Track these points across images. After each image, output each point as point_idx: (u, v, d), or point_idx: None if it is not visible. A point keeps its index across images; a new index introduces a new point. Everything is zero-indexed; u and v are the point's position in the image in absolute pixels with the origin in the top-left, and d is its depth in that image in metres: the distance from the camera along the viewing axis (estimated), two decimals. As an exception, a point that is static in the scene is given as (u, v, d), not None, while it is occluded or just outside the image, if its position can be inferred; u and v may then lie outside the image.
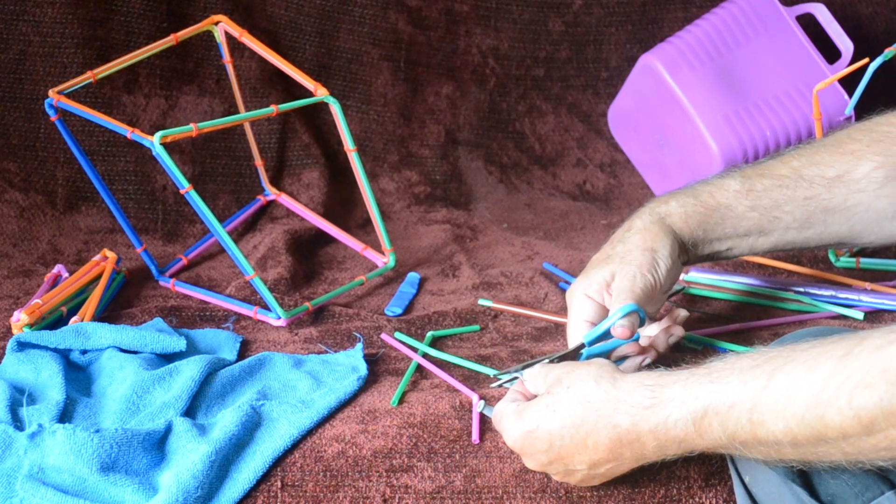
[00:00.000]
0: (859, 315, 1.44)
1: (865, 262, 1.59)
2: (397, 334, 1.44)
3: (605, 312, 1.24)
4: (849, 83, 1.78)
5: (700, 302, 1.52)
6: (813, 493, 1.00)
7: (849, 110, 1.73)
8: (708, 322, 1.45)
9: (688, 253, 1.28)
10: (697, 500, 1.18)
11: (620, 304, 1.20)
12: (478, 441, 1.20)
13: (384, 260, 1.67)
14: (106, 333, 1.36)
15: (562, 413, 1.07)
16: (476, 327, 1.49)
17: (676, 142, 1.87)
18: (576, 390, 1.07)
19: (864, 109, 1.73)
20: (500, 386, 1.22)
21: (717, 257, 1.31)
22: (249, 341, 1.45)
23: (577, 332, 1.23)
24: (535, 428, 1.08)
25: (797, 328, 1.40)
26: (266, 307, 1.51)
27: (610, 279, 1.23)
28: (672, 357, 1.32)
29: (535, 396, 1.15)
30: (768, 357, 0.97)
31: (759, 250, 1.30)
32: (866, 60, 1.59)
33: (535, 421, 1.09)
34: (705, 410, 0.99)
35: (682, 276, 1.53)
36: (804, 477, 1.01)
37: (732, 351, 1.36)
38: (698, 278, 1.54)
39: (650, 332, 1.29)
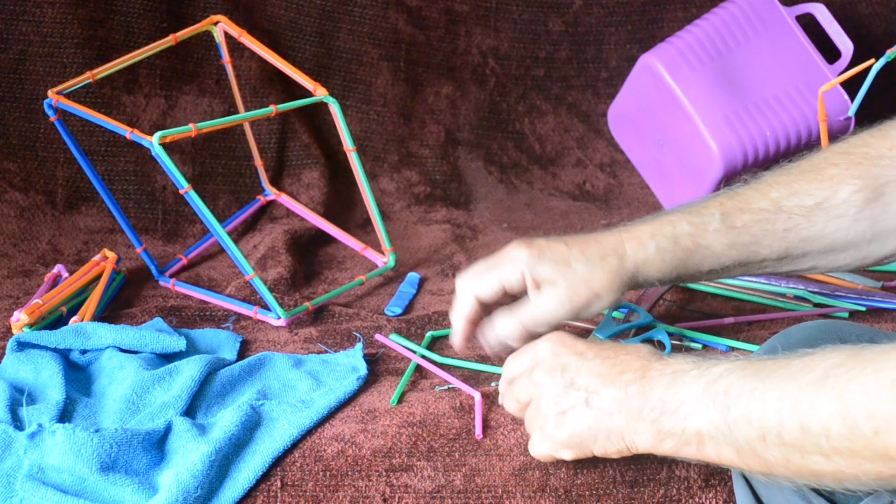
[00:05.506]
0: (862, 308, 1.45)
1: (865, 261, 1.59)
2: (393, 336, 1.43)
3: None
4: (848, 83, 1.78)
5: (699, 301, 1.52)
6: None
7: (852, 112, 1.74)
8: (705, 318, 1.45)
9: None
10: (697, 500, 1.18)
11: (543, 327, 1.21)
12: (480, 437, 1.20)
13: (384, 260, 1.67)
14: (106, 333, 1.36)
15: (610, 349, 1.10)
16: (476, 327, 1.49)
17: (676, 142, 1.87)
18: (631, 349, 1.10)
19: (863, 110, 1.74)
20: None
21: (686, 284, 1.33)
22: (249, 341, 1.45)
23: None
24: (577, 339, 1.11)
25: (794, 324, 1.40)
26: (266, 307, 1.51)
27: (540, 283, 1.22)
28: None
29: None
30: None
31: (732, 277, 1.30)
32: (872, 61, 1.59)
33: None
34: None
35: None
36: None
37: (735, 348, 1.36)
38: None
39: None
